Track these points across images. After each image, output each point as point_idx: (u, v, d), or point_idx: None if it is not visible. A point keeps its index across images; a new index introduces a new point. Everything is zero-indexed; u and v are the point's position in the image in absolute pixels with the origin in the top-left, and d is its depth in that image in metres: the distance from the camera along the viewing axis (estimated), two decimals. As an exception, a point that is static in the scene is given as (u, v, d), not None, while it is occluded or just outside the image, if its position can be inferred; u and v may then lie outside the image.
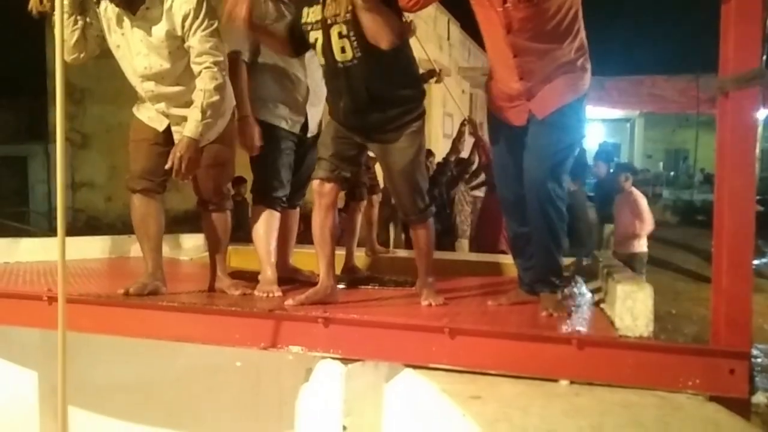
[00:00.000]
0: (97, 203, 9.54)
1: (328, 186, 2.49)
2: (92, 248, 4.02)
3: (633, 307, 2.06)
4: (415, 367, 2.13)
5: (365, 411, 2.17)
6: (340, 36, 2.38)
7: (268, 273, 2.80)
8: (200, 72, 2.55)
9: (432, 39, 11.93)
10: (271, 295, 2.64)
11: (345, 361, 2.19)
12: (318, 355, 2.24)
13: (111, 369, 2.94)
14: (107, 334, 2.57)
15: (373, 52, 2.35)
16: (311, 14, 2.46)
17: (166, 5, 2.52)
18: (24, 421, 2.98)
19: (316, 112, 3.08)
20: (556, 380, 2.01)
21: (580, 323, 2.20)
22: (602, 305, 2.44)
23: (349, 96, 2.45)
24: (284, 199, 2.94)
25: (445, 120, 12.80)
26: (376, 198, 3.68)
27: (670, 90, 16.44)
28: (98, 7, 2.60)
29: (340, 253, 3.22)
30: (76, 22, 2.59)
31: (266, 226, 2.88)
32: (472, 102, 15.64)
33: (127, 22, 2.56)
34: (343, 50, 2.39)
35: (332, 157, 2.52)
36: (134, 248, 3.47)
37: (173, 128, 2.71)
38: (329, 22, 2.39)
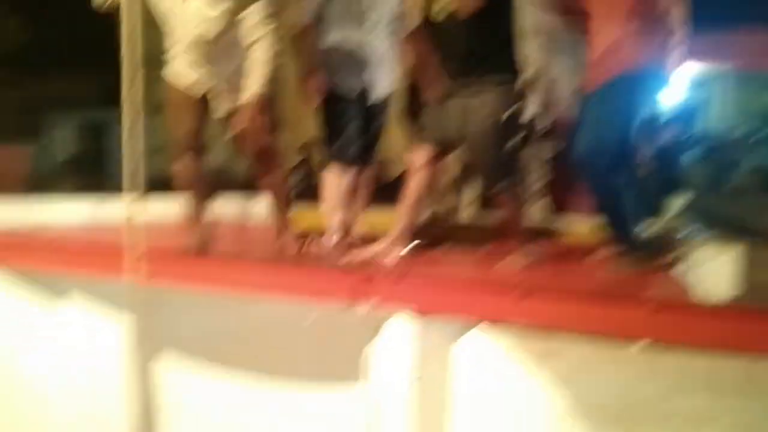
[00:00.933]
0: (168, 168, 9.86)
1: (423, 148, 2.52)
2: (168, 209, 4.19)
3: (713, 272, 1.98)
4: (486, 324, 2.13)
5: (436, 367, 2.20)
6: None
7: (334, 232, 2.87)
8: (255, 40, 2.59)
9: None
10: (335, 252, 2.71)
11: (415, 317, 2.22)
12: (390, 311, 2.27)
13: (191, 322, 3.09)
14: (187, 287, 2.69)
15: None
16: None
17: None
18: (110, 372, 3.18)
19: (383, 76, 3.08)
20: (632, 343, 1.96)
21: (659, 286, 2.14)
22: (679, 268, 2.36)
23: (462, 46, 2.51)
24: (351, 159, 2.97)
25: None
26: (449, 158, 3.64)
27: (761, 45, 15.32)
28: None
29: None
30: None
31: (332, 186, 2.93)
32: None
33: None
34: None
35: (433, 122, 2.59)
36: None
37: (209, 96, 2.78)
38: None
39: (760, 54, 16.16)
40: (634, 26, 2.31)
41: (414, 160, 2.60)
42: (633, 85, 2.32)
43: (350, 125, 2.96)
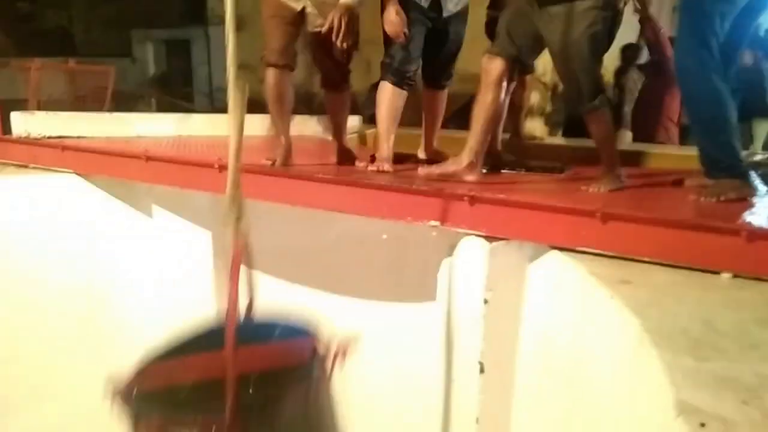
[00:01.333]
0: (254, 84, 9.95)
1: (495, 62, 2.42)
2: (252, 126, 4.29)
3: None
4: (562, 249, 2.11)
5: (508, 288, 2.21)
6: None
7: (384, 149, 2.85)
8: None
9: None
10: (382, 169, 2.74)
11: (489, 239, 2.22)
12: (462, 232, 2.28)
13: (275, 234, 3.22)
14: (271, 201, 2.79)
15: None
16: None
17: None
18: (200, 278, 3.40)
19: None
20: (717, 273, 1.89)
21: (749, 214, 2.02)
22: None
23: None
24: (411, 75, 2.88)
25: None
26: (529, 78, 3.48)
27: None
28: None
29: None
30: None
31: (388, 102, 2.87)
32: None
33: None
34: None
35: (507, 34, 2.45)
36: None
37: (308, 10, 2.78)
38: None
39: None
40: None
41: (484, 75, 2.49)
42: None
43: (413, 38, 2.83)
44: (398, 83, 2.86)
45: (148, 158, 3.01)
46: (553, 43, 2.42)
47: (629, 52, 5.85)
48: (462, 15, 3.00)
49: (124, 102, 10.63)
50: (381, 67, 2.93)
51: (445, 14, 2.92)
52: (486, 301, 2.19)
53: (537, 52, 2.72)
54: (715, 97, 2.24)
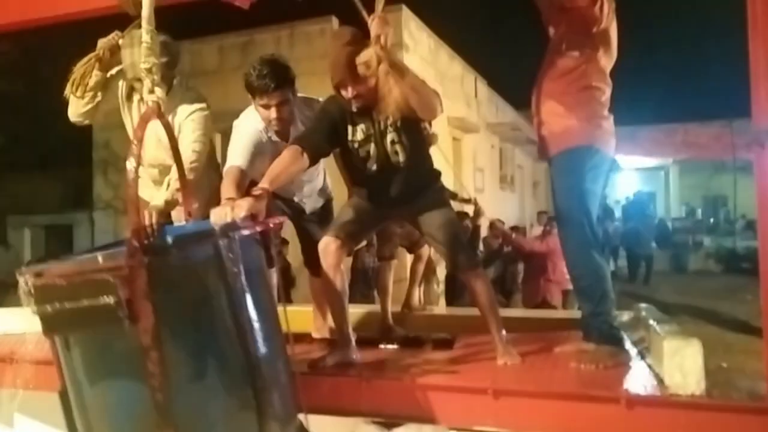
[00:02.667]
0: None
1: (333, 246, 2.51)
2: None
3: (682, 364, 1.99)
4: (460, 429, 2.09)
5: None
6: (392, 143, 2.50)
7: None
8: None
9: (460, 97, 12.14)
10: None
11: (387, 425, 2.16)
12: (361, 420, 2.21)
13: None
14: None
15: (417, 144, 2.55)
16: (358, 132, 2.51)
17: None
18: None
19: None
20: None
21: (627, 381, 2.13)
22: (647, 360, 2.37)
23: (399, 186, 2.55)
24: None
25: (476, 175, 12.87)
26: (424, 251, 3.67)
27: (704, 137, 16.27)
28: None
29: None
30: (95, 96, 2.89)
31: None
32: (501, 156, 15.71)
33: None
34: (396, 153, 2.51)
35: (349, 222, 2.57)
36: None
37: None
38: (381, 132, 2.50)
39: (698, 147, 17.13)
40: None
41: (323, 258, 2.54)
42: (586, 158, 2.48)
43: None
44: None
45: (13, 361, 2.74)
46: (428, 232, 2.60)
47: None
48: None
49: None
50: None
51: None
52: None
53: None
54: (596, 272, 2.46)
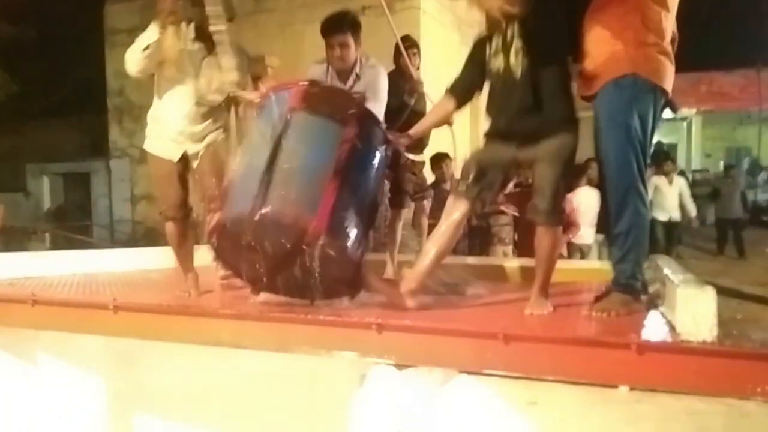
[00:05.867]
0: (155, 215, 9.89)
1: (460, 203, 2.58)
2: (151, 259, 4.16)
3: (695, 311, 1.97)
4: (470, 372, 2.11)
5: (420, 416, 2.16)
6: (516, 53, 2.47)
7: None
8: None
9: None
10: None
11: (399, 366, 2.20)
12: (372, 361, 2.25)
13: (172, 374, 3.03)
14: (168, 341, 2.65)
15: (543, 62, 2.46)
16: (492, 47, 2.53)
17: None
18: (91, 426, 3.10)
19: None
20: (615, 387, 1.95)
21: (639, 328, 2.14)
22: (661, 309, 2.37)
23: (518, 104, 2.49)
24: None
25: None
26: (427, 203, 3.68)
27: (729, 86, 15.84)
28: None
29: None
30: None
31: None
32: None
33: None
34: (518, 65, 2.47)
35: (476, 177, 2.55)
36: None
37: (189, 153, 3.03)
38: (508, 43, 2.48)
39: (723, 97, 16.66)
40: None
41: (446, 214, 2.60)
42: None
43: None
44: None
45: (35, 302, 2.81)
46: (538, 158, 2.50)
47: None
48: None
49: (16, 238, 10.05)
50: None
51: None
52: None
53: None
54: (634, 219, 2.35)
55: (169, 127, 2.98)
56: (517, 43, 2.46)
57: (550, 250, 2.50)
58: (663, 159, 8.87)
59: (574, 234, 6.16)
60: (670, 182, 8.55)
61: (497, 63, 2.52)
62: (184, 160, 3.02)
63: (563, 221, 2.54)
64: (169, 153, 2.99)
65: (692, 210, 8.85)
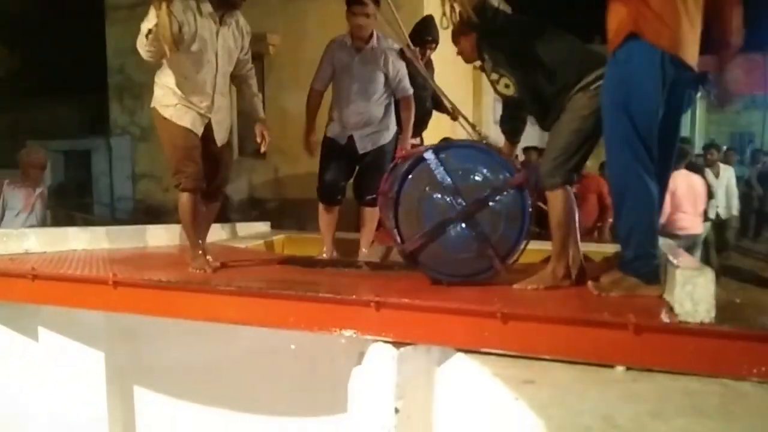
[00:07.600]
0: (156, 193, 9.85)
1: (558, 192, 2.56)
2: (153, 236, 4.16)
3: (693, 292, 1.98)
4: (467, 351, 2.13)
5: (417, 394, 2.18)
6: (498, 79, 2.74)
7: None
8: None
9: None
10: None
11: (397, 344, 2.21)
12: (370, 339, 2.26)
13: (172, 351, 3.05)
14: (168, 317, 2.67)
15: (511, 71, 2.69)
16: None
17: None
18: (92, 401, 3.13)
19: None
20: (612, 366, 1.97)
21: (637, 308, 2.14)
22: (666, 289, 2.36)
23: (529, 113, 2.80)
24: (336, 196, 3.98)
25: (495, 106, 12.61)
26: None
27: (735, 70, 15.65)
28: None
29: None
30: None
31: (321, 217, 4.03)
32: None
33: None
34: (500, 83, 2.73)
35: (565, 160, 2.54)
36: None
37: (215, 127, 3.13)
38: (488, 72, 2.75)
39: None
40: None
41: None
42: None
43: (333, 170, 3.89)
44: (325, 202, 3.94)
45: (35, 277, 2.82)
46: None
47: None
48: (382, 149, 3.89)
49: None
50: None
51: (360, 151, 3.86)
52: (397, 410, 2.15)
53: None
54: (636, 194, 2.25)
55: (196, 99, 3.02)
56: (494, 75, 2.67)
57: (559, 215, 2.51)
58: (706, 148, 8.00)
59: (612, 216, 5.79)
60: (717, 174, 7.47)
61: (498, 91, 2.72)
62: (205, 131, 3.08)
63: (566, 184, 2.51)
64: (196, 125, 3.03)
65: (734, 207, 7.69)
